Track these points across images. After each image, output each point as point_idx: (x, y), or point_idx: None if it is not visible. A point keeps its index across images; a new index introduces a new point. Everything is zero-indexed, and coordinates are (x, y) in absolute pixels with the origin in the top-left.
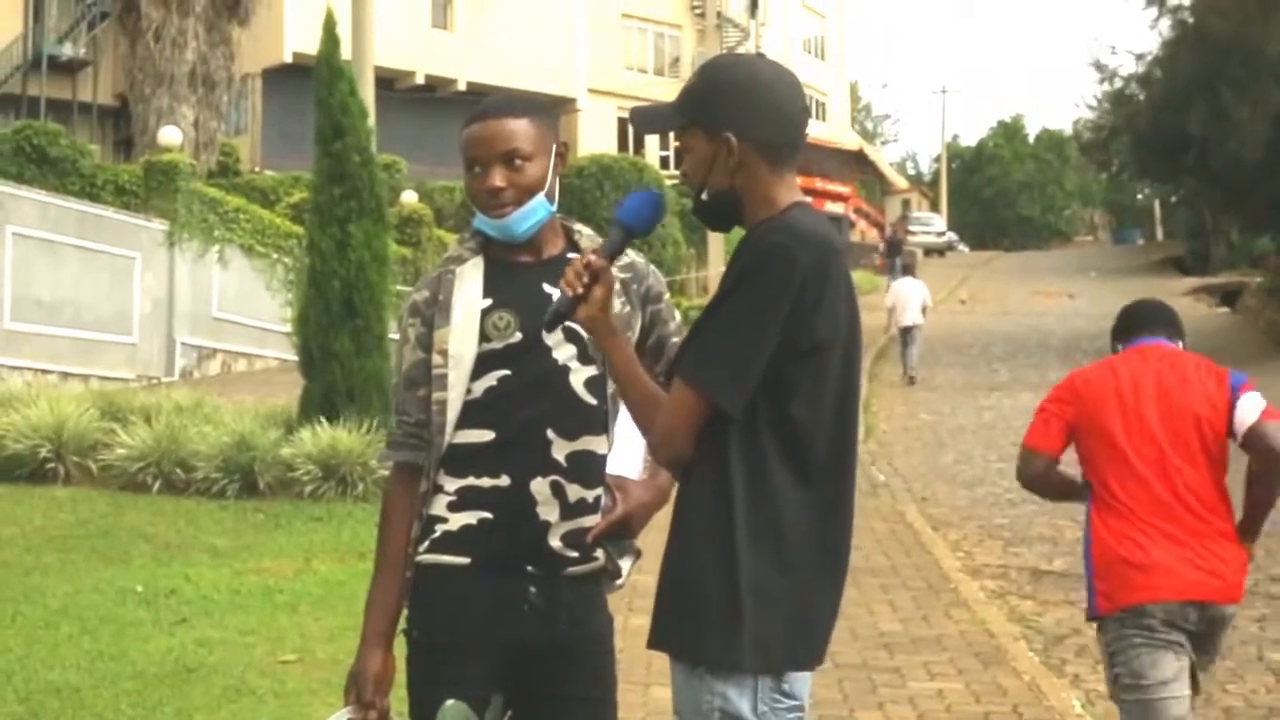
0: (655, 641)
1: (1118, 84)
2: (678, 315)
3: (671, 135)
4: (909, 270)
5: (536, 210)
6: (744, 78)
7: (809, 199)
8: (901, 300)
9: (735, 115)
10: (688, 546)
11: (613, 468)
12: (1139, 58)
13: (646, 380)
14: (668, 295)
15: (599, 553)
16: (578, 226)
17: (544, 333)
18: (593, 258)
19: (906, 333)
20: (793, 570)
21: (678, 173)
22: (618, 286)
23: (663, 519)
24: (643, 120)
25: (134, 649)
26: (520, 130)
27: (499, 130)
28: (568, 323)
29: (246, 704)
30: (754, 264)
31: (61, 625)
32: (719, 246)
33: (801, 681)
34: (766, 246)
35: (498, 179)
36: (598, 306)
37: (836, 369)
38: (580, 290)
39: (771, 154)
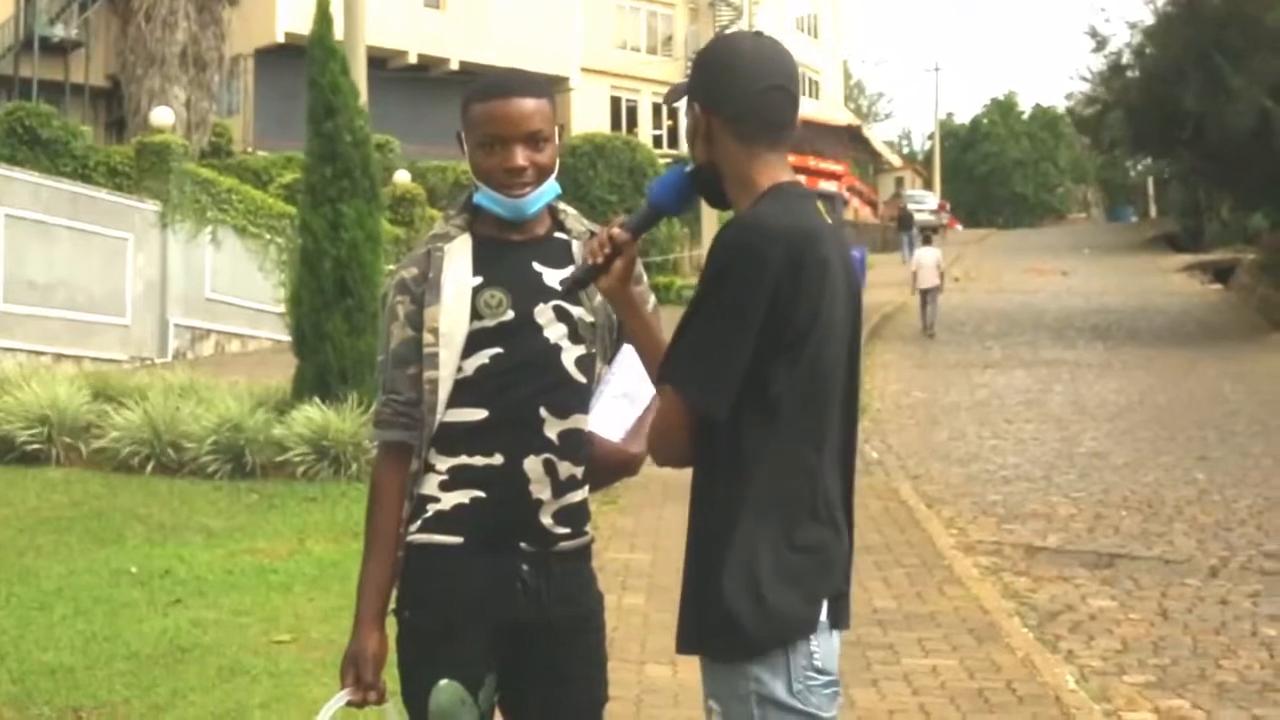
0: (686, 647)
1: (1111, 57)
2: (652, 295)
3: (664, 114)
4: (928, 240)
5: (548, 192)
6: (722, 52)
7: (794, 178)
8: (921, 266)
9: (705, 89)
10: (703, 541)
11: (590, 425)
12: (1132, 26)
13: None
14: (644, 276)
15: (588, 528)
16: (563, 206)
17: (553, 303)
18: (616, 230)
19: (926, 294)
20: (811, 543)
21: (671, 152)
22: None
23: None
24: (669, 95)
25: (128, 629)
26: (542, 110)
27: (523, 109)
28: (561, 302)
29: (241, 684)
30: (725, 267)
31: (56, 606)
32: (712, 225)
33: (831, 656)
34: (734, 247)
35: (520, 158)
36: (617, 278)
37: (818, 351)
38: (601, 260)
39: (739, 130)
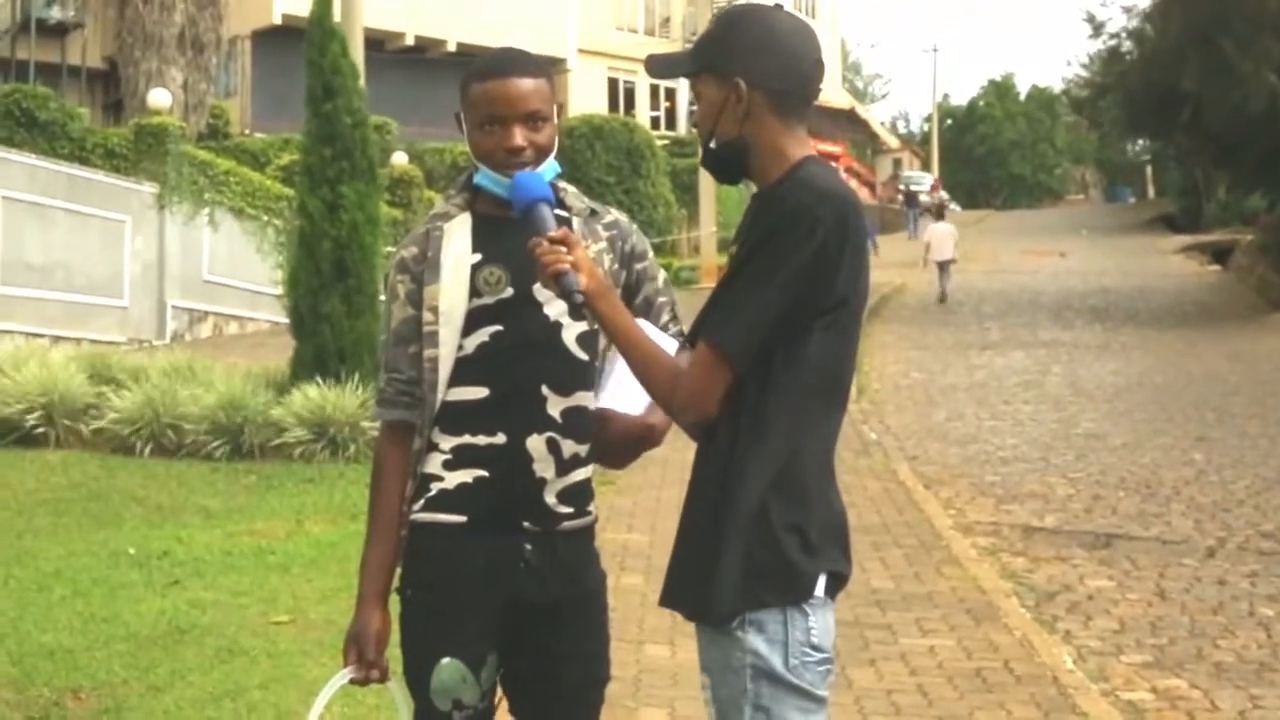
0: (684, 607)
1: (1110, 41)
2: (662, 273)
3: (661, 93)
4: (941, 215)
5: (547, 171)
6: (759, 24)
7: (815, 152)
8: (936, 240)
9: (747, 61)
10: (709, 500)
11: (606, 401)
12: (1127, 10)
13: (647, 339)
14: (651, 254)
15: (591, 507)
16: (563, 184)
17: (572, 317)
18: (551, 233)
19: (943, 265)
20: (834, 514)
21: (669, 134)
22: (604, 244)
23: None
24: (658, 66)
25: (127, 611)
26: (541, 90)
27: (521, 89)
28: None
29: (239, 664)
30: (778, 224)
31: (54, 588)
32: (710, 207)
33: (827, 633)
34: (789, 206)
35: (519, 138)
36: (589, 269)
37: (853, 319)
38: (568, 264)
39: (781, 104)
